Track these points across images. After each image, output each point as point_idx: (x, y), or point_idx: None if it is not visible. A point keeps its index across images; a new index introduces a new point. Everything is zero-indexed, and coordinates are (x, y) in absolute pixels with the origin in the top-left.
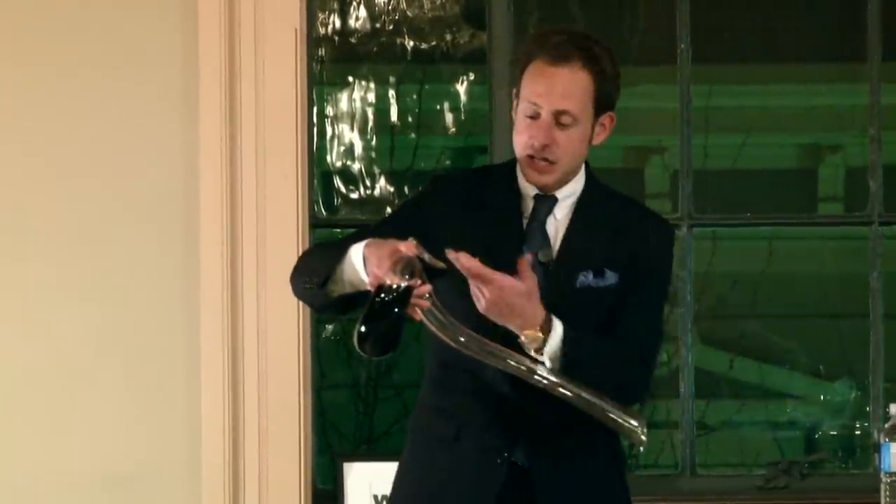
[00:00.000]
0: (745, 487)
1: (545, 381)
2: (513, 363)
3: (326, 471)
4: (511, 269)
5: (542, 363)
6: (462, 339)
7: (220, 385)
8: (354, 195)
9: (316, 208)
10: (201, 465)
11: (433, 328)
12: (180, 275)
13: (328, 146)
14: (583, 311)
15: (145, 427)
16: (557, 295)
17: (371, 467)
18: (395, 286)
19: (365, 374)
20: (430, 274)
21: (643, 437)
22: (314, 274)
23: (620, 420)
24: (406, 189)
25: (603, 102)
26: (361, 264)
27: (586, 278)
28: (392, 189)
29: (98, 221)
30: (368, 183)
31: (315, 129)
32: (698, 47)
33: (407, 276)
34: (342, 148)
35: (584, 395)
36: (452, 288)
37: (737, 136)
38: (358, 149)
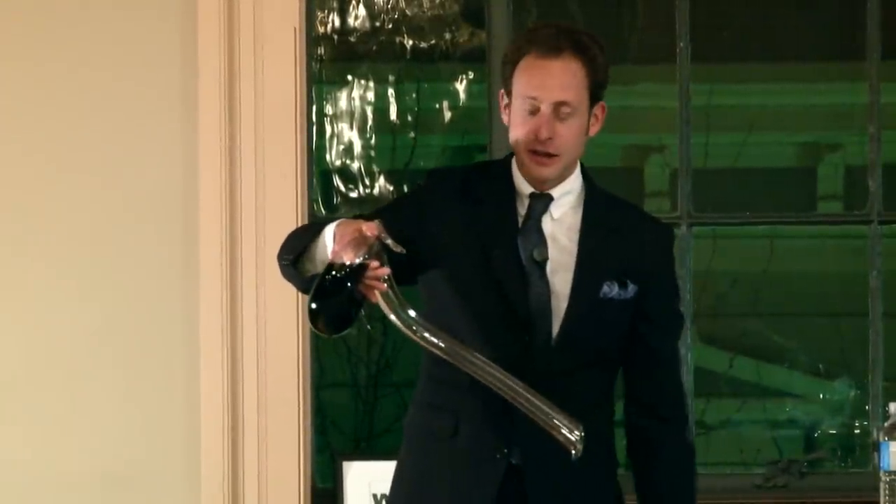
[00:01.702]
0: (744, 486)
1: (513, 393)
2: (492, 374)
3: (326, 469)
4: (505, 265)
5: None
6: (425, 335)
7: (219, 383)
8: (354, 194)
9: (315, 207)
10: (201, 463)
11: (388, 313)
12: (180, 273)
13: (327, 145)
14: (605, 321)
15: (145, 426)
16: (583, 304)
17: (371, 466)
18: (347, 263)
19: (365, 373)
20: (391, 258)
21: (578, 445)
22: (289, 252)
23: (560, 427)
24: (405, 188)
25: (596, 92)
26: (332, 243)
27: (611, 289)
28: (391, 188)
29: (97, 220)
30: (368, 182)
31: (314, 128)
32: (698, 46)
33: (365, 256)
34: (341, 147)
35: (531, 399)
36: (458, 308)
37: (736, 134)
38: (357, 147)
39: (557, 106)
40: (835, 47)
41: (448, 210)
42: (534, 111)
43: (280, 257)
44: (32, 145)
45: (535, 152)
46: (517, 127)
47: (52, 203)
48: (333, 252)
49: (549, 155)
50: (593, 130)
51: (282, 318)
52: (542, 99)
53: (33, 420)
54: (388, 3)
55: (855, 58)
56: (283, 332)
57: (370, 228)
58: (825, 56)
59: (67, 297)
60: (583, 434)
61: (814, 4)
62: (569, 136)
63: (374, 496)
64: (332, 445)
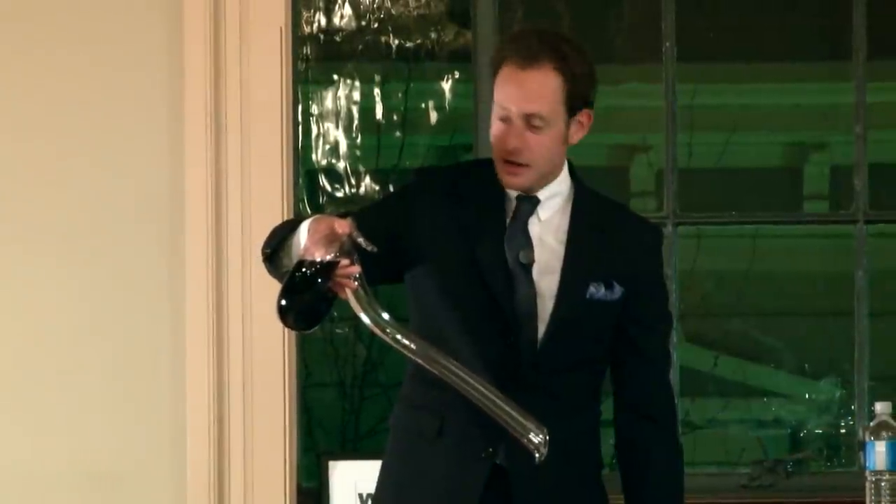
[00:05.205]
0: (730, 486)
1: (481, 396)
2: (460, 376)
3: (311, 469)
4: (491, 267)
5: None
6: (393, 333)
7: (205, 383)
8: (340, 194)
9: (301, 207)
10: (186, 463)
11: (358, 312)
12: (166, 273)
13: (313, 144)
14: (592, 322)
15: (130, 425)
16: (569, 305)
17: (356, 466)
18: (317, 260)
19: (351, 373)
20: (362, 257)
21: (542, 449)
22: (267, 246)
23: (526, 431)
24: (391, 188)
25: (576, 102)
26: (305, 239)
27: (597, 290)
28: (377, 187)
29: (83, 220)
30: (353, 181)
31: (300, 128)
32: (684, 46)
33: (336, 254)
34: (327, 146)
35: (498, 402)
36: (462, 326)
37: (722, 134)
38: (343, 147)
39: (528, 117)
40: (821, 47)
41: (435, 209)
42: (505, 119)
43: (262, 251)
44: (18, 145)
45: (506, 161)
46: (492, 134)
47: (38, 202)
48: (305, 248)
49: (520, 165)
50: (576, 138)
51: (268, 317)
52: (511, 110)
53: (18, 419)
54: (373, 3)
55: (841, 57)
56: (269, 331)
57: (342, 226)
58: (811, 56)
59: (53, 296)
60: (547, 438)
61: (800, 4)
62: (540, 147)
63: (360, 496)
64: (317, 445)
